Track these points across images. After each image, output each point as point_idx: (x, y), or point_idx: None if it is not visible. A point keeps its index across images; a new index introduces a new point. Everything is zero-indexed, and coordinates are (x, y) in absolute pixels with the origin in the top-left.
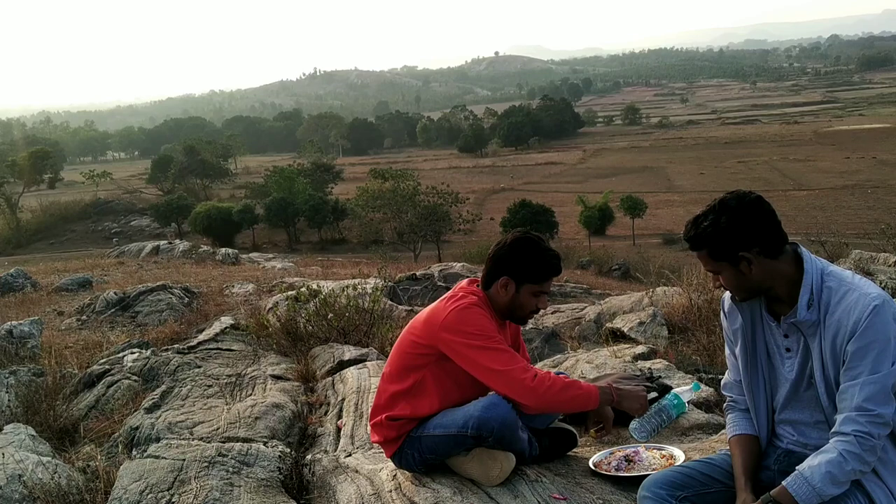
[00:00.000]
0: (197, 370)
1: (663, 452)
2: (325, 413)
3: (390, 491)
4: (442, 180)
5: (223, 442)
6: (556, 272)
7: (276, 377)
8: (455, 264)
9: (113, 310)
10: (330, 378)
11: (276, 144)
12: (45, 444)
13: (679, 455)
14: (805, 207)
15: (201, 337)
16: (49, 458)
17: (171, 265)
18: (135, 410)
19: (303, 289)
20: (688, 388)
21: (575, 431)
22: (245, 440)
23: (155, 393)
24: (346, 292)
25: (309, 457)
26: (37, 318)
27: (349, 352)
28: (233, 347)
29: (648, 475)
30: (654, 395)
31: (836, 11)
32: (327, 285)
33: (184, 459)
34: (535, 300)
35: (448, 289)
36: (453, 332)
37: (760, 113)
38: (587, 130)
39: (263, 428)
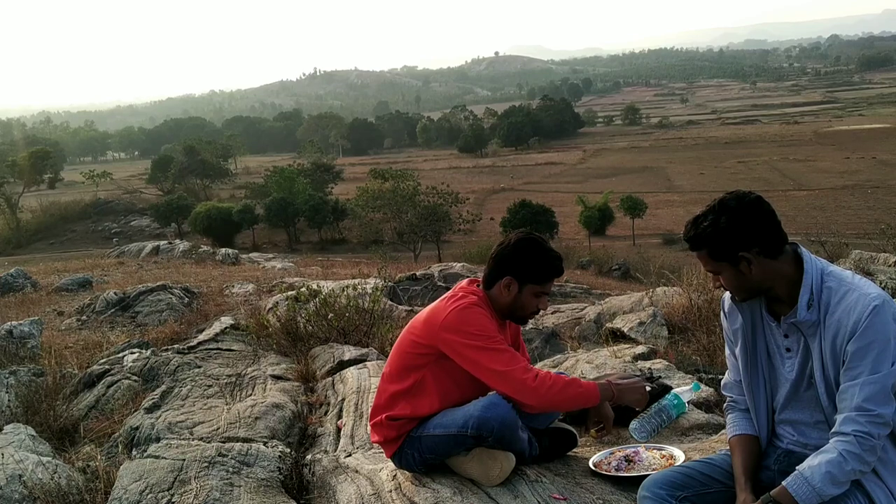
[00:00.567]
0: (197, 370)
1: (663, 452)
2: (325, 413)
3: (390, 491)
4: (442, 180)
5: (223, 442)
6: (558, 273)
7: (276, 377)
8: (455, 264)
9: (113, 310)
10: (330, 378)
11: (276, 144)
12: (45, 444)
13: (679, 455)
14: (805, 207)
15: (201, 337)
16: (49, 459)
17: (171, 265)
18: (135, 410)
19: (303, 289)
20: (688, 388)
21: (575, 431)
22: (245, 440)
23: (155, 393)
24: (346, 292)
25: (309, 457)
26: (37, 318)
27: (349, 352)
28: (233, 347)
29: (648, 475)
30: (651, 386)
31: (836, 11)
32: (327, 285)
33: (184, 459)
34: (537, 301)
35: (448, 289)
36: (453, 331)
37: (760, 113)
38: (587, 130)
39: (263, 428)
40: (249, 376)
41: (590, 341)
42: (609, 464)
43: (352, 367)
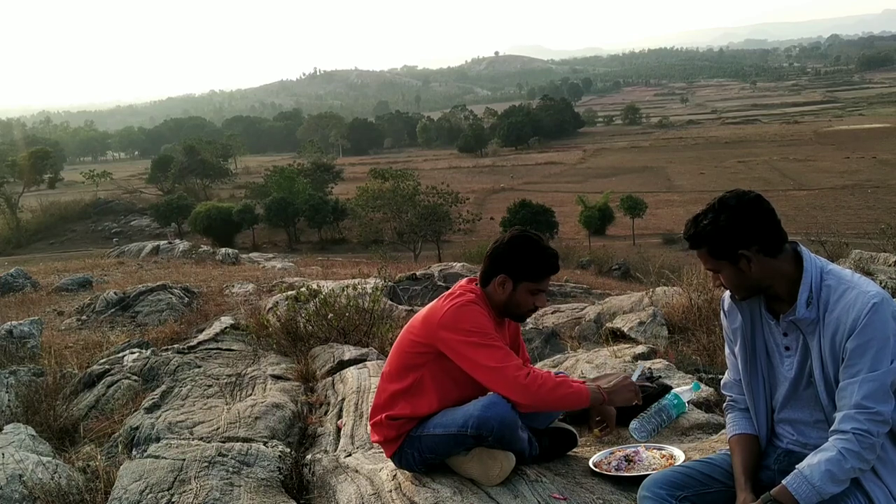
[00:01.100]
0: (197, 370)
1: (663, 452)
2: (325, 413)
3: (390, 491)
4: (442, 180)
5: (223, 442)
6: (553, 271)
7: (276, 377)
8: (455, 264)
9: (113, 310)
10: (330, 378)
11: (276, 144)
12: (45, 444)
13: (679, 455)
14: (805, 207)
15: (201, 337)
16: (49, 458)
17: (171, 265)
18: (135, 410)
19: (303, 289)
20: (688, 388)
21: (575, 431)
22: (245, 440)
23: (155, 393)
24: (346, 292)
25: (309, 457)
26: (37, 318)
27: (349, 352)
28: (233, 347)
29: (648, 475)
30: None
31: (836, 11)
32: (327, 285)
33: (184, 459)
34: (533, 298)
35: (448, 288)
36: (450, 329)
37: (760, 113)
38: (587, 130)
39: (263, 428)
40: (249, 376)
41: (590, 341)
42: (609, 464)
43: (352, 367)
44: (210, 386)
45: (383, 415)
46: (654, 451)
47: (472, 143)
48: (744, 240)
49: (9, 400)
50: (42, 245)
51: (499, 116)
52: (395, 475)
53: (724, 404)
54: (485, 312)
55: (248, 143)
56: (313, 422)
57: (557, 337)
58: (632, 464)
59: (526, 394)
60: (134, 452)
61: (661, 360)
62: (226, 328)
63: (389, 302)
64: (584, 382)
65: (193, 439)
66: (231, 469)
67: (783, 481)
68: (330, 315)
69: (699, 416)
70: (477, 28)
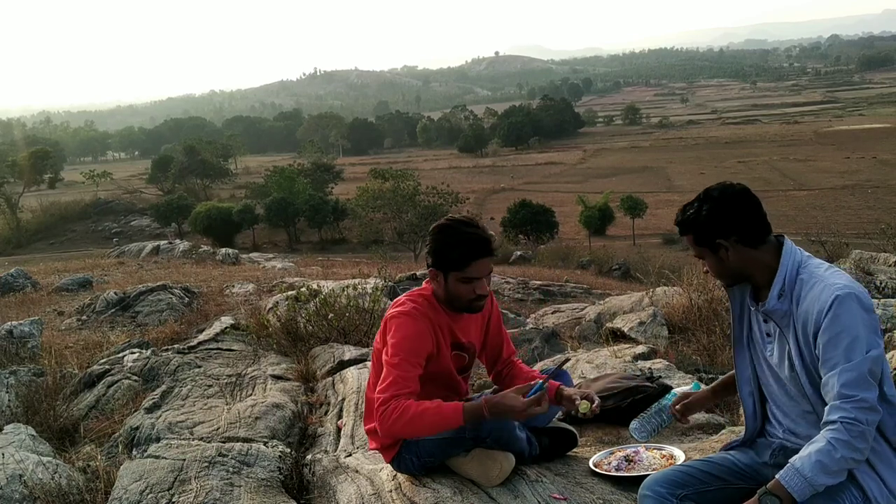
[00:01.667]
0: (197, 370)
1: (663, 452)
2: (326, 413)
3: (390, 491)
4: (442, 180)
5: (223, 442)
6: (475, 256)
7: (277, 377)
8: None
9: (113, 310)
10: (330, 378)
11: (276, 144)
12: (45, 444)
13: (679, 455)
14: (805, 207)
15: (201, 337)
16: (49, 459)
17: (172, 265)
18: (135, 410)
19: (303, 289)
20: (688, 388)
21: (575, 431)
22: (245, 440)
23: (155, 393)
24: (346, 292)
25: (309, 457)
26: (37, 318)
27: (349, 352)
28: (233, 347)
29: (648, 475)
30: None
31: (836, 11)
32: (327, 285)
33: (184, 459)
34: (470, 287)
35: None
36: (386, 338)
37: (760, 113)
38: (587, 130)
39: (263, 428)
40: (249, 376)
41: (590, 341)
42: (609, 464)
43: (352, 367)
44: (210, 386)
45: (375, 423)
46: (654, 451)
47: (472, 144)
48: (723, 230)
49: (9, 400)
50: (42, 245)
51: (499, 116)
52: (395, 475)
53: None
54: (418, 321)
55: (249, 144)
56: (313, 422)
57: (557, 337)
58: (632, 464)
59: (380, 424)
60: (134, 452)
61: (662, 359)
62: (226, 328)
63: (389, 302)
64: (481, 397)
65: (194, 439)
66: (231, 469)
67: (777, 475)
68: (330, 315)
69: (699, 416)
70: (477, 28)
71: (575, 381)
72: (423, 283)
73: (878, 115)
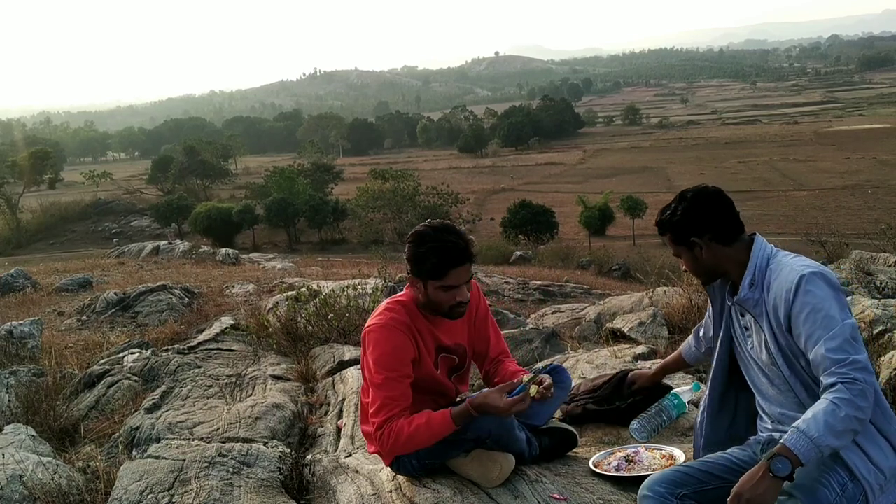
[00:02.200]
0: (197, 370)
1: (663, 452)
2: (326, 413)
3: (390, 491)
4: (442, 180)
5: (223, 442)
6: (453, 264)
7: (277, 377)
8: None
9: (113, 310)
10: (330, 378)
11: (276, 145)
12: (45, 444)
13: (679, 455)
14: (805, 207)
15: (201, 337)
16: (49, 459)
17: (172, 265)
18: (135, 411)
19: (303, 289)
20: (688, 388)
21: (575, 431)
22: (245, 440)
23: (155, 393)
24: (346, 292)
25: (309, 457)
26: (37, 318)
27: (349, 352)
28: (233, 348)
29: (648, 475)
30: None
31: (836, 11)
32: (327, 285)
33: (184, 460)
34: (451, 294)
35: None
36: (366, 352)
37: (760, 113)
38: (587, 130)
39: (263, 428)
40: (249, 376)
41: (590, 341)
42: (609, 464)
43: (352, 367)
44: (210, 386)
45: (371, 428)
46: (654, 451)
47: (472, 144)
48: (697, 228)
49: (9, 400)
50: (42, 245)
51: (499, 117)
52: (395, 475)
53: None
54: (397, 333)
55: (249, 144)
56: (313, 422)
57: (557, 337)
58: (632, 464)
59: (381, 450)
60: (134, 453)
61: (662, 360)
62: (226, 328)
63: None
64: (465, 401)
65: (194, 440)
66: (231, 469)
67: (782, 439)
68: (330, 315)
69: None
70: (477, 28)
71: (575, 382)
72: (404, 288)
73: (878, 115)
